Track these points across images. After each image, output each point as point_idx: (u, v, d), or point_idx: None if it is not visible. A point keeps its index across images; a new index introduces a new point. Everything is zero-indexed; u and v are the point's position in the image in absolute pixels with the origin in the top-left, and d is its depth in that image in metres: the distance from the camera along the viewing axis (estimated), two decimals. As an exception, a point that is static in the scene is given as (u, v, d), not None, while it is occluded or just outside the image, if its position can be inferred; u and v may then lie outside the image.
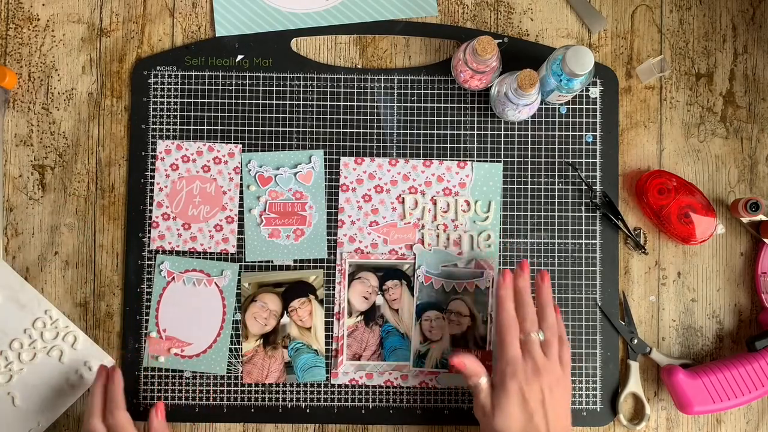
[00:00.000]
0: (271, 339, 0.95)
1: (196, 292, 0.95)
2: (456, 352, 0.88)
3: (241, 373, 0.94)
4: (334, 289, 0.95)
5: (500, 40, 0.97)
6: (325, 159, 0.96)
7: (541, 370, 0.84)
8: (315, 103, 0.97)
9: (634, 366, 0.95)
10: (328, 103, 0.97)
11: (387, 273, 0.95)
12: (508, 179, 0.96)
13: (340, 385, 0.95)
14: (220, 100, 0.97)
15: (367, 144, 0.96)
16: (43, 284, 0.96)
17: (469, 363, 0.87)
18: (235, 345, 0.95)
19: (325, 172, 0.96)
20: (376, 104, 0.97)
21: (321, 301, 0.95)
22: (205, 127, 0.96)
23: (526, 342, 0.85)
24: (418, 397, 0.95)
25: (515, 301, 0.87)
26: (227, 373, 0.95)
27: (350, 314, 0.95)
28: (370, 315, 0.95)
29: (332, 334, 0.95)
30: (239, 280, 0.95)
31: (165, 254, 0.95)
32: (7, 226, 0.96)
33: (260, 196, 0.95)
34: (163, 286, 0.95)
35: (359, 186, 0.96)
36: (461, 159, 0.96)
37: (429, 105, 0.97)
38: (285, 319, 0.95)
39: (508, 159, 0.97)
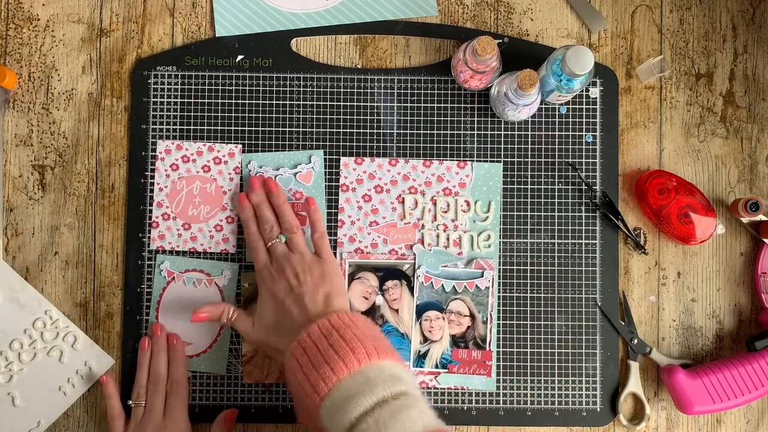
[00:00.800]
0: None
1: (196, 292, 0.95)
2: (195, 310, 0.90)
3: (241, 373, 0.94)
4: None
5: (500, 40, 0.97)
6: (324, 159, 0.96)
7: (284, 266, 0.88)
8: (315, 103, 0.97)
9: (634, 366, 0.95)
10: (328, 103, 0.97)
11: (387, 273, 0.95)
12: (508, 179, 0.96)
13: (340, 385, 0.95)
14: (220, 100, 0.97)
15: (367, 144, 0.96)
16: (43, 284, 0.96)
17: (208, 309, 0.90)
18: (235, 345, 0.95)
19: (325, 172, 0.96)
20: (376, 104, 0.97)
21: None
22: (205, 127, 0.96)
23: (271, 248, 0.90)
24: (418, 397, 0.95)
25: (256, 216, 0.93)
26: (227, 373, 0.95)
27: (350, 314, 0.95)
28: (370, 315, 0.95)
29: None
30: (239, 280, 0.95)
31: (165, 254, 0.95)
32: (7, 226, 0.96)
33: (260, 196, 0.95)
34: (163, 286, 0.95)
35: (359, 186, 0.96)
36: (461, 159, 0.96)
37: (429, 105, 0.97)
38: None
39: (508, 159, 0.97)
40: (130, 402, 0.92)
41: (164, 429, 0.89)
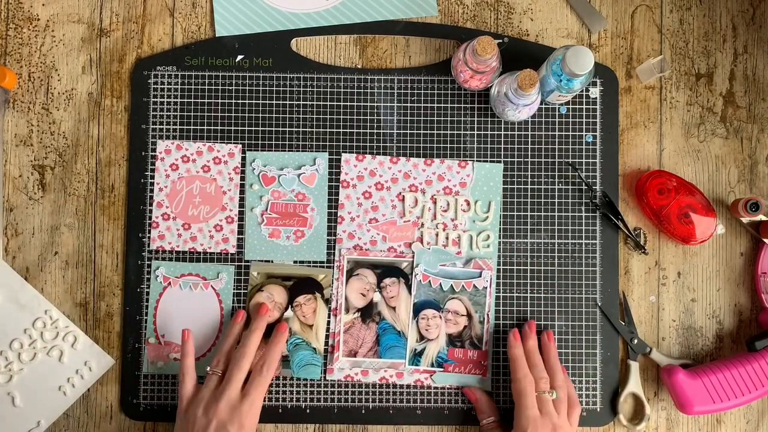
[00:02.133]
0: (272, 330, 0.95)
1: (192, 296, 0.95)
2: (472, 388, 0.94)
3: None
4: (332, 285, 0.95)
5: (500, 40, 0.97)
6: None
7: (557, 430, 0.87)
8: (315, 103, 0.97)
9: (634, 366, 0.95)
10: (328, 103, 0.97)
11: (385, 270, 0.95)
12: (508, 179, 0.96)
13: (339, 385, 0.95)
14: (220, 100, 0.97)
15: (367, 144, 0.96)
16: (43, 284, 0.96)
17: (481, 398, 0.93)
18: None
19: (328, 172, 0.96)
20: (376, 104, 0.97)
21: (326, 301, 0.95)
22: (205, 127, 0.96)
23: (540, 400, 0.88)
24: (417, 397, 0.95)
25: (527, 360, 0.91)
26: (227, 373, 0.95)
27: (347, 310, 0.95)
28: (367, 312, 0.95)
29: (329, 330, 0.95)
30: (248, 268, 0.95)
31: (160, 259, 0.95)
32: (7, 226, 0.96)
33: (263, 195, 0.96)
34: (159, 291, 0.95)
35: (360, 183, 0.96)
36: (461, 159, 0.96)
37: (429, 105, 0.97)
38: (289, 313, 0.95)
39: (508, 159, 0.97)
40: (209, 369, 0.89)
41: (239, 409, 0.85)
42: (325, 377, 0.95)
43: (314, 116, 0.97)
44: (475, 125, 0.97)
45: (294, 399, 0.95)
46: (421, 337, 0.95)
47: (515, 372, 0.90)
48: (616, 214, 0.95)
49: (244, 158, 0.96)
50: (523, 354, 0.91)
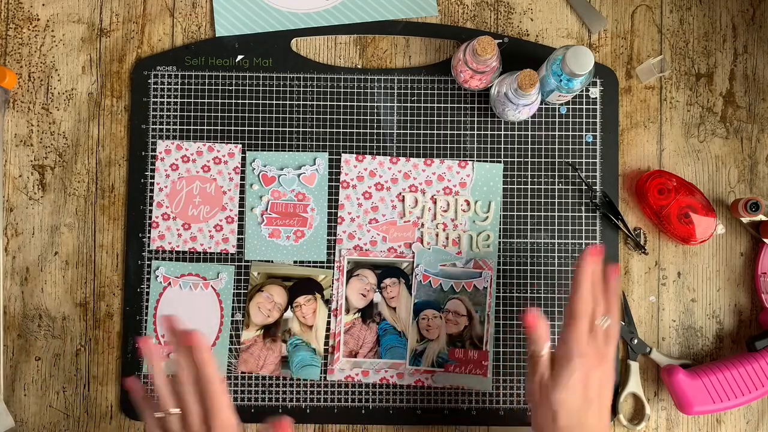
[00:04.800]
0: (271, 331, 0.95)
1: (192, 296, 0.95)
2: (531, 310, 0.85)
3: (237, 360, 0.94)
4: (332, 286, 0.95)
5: (500, 40, 0.97)
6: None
7: (602, 359, 0.83)
8: (315, 103, 0.97)
9: (634, 366, 0.95)
10: (328, 103, 0.97)
11: (385, 271, 0.95)
12: (508, 179, 0.96)
13: (339, 385, 0.95)
14: (220, 100, 0.97)
15: (367, 144, 0.96)
16: (43, 284, 0.96)
17: (541, 326, 0.84)
18: (235, 345, 0.95)
19: (328, 172, 0.96)
20: (376, 104, 0.97)
21: (326, 302, 0.95)
22: (205, 127, 0.96)
23: (592, 324, 0.83)
24: (417, 397, 0.95)
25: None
26: (227, 374, 0.95)
27: (348, 311, 0.95)
28: (368, 312, 0.95)
29: (329, 331, 0.95)
30: (248, 268, 0.95)
31: (160, 259, 0.95)
32: (7, 226, 0.96)
33: (263, 195, 0.96)
34: (159, 291, 0.95)
35: (360, 183, 0.96)
36: (461, 159, 0.96)
37: (429, 105, 0.97)
38: (288, 314, 0.95)
39: (508, 159, 0.97)
40: (158, 414, 0.78)
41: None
42: (325, 378, 0.95)
43: (314, 116, 0.97)
44: (475, 125, 0.97)
45: (294, 399, 0.95)
46: (422, 338, 0.95)
47: (577, 291, 0.84)
48: (616, 214, 0.95)
49: (244, 158, 0.96)
50: (590, 276, 0.84)
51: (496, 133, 0.97)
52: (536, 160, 0.97)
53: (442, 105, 0.97)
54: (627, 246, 0.97)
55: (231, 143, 0.96)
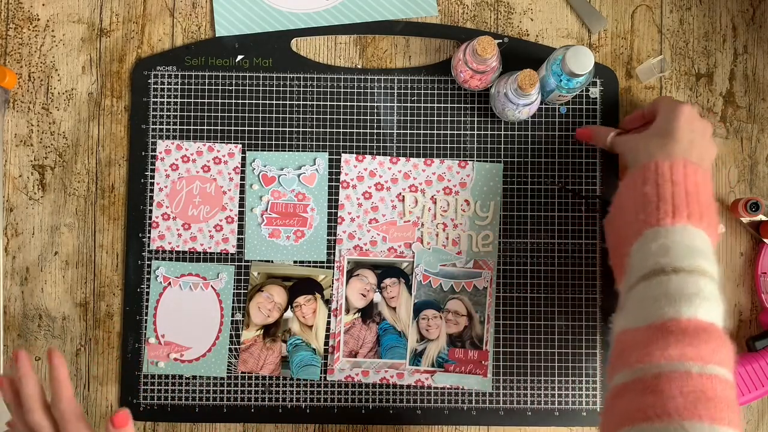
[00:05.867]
0: (271, 331, 0.95)
1: (192, 296, 0.95)
2: (578, 129, 0.92)
3: (237, 360, 0.94)
4: (332, 286, 0.95)
5: (500, 40, 0.97)
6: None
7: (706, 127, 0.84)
8: (315, 103, 0.97)
9: (634, 366, 0.95)
10: (328, 103, 0.97)
11: (385, 271, 0.95)
12: (508, 179, 0.96)
13: (339, 385, 0.95)
14: (220, 100, 0.97)
15: (367, 144, 0.96)
16: (43, 284, 0.96)
17: (594, 128, 0.91)
18: (235, 345, 0.95)
19: (328, 172, 0.96)
20: (376, 104, 0.97)
21: (326, 302, 0.95)
22: (205, 127, 0.96)
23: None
24: (417, 397, 0.95)
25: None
26: (227, 374, 0.95)
27: (348, 311, 0.95)
28: (368, 312, 0.95)
29: (329, 331, 0.95)
30: (248, 268, 0.95)
31: (160, 259, 0.95)
32: (7, 226, 0.96)
33: (263, 195, 0.96)
34: (159, 291, 0.95)
35: (360, 183, 0.96)
36: (461, 159, 0.96)
37: (429, 105, 0.97)
38: (288, 314, 0.95)
39: (508, 159, 0.97)
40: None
41: None
42: (325, 378, 0.95)
43: (314, 116, 0.97)
44: (475, 125, 0.97)
45: (294, 399, 0.95)
46: (422, 338, 0.95)
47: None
48: (616, 214, 0.95)
49: (244, 158, 0.96)
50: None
51: (496, 133, 0.97)
52: (536, 160, 0.97)
53: (442, 105, 0.97)
54: (627, 246, 0.97)
55: (231, 143, 0.96)
